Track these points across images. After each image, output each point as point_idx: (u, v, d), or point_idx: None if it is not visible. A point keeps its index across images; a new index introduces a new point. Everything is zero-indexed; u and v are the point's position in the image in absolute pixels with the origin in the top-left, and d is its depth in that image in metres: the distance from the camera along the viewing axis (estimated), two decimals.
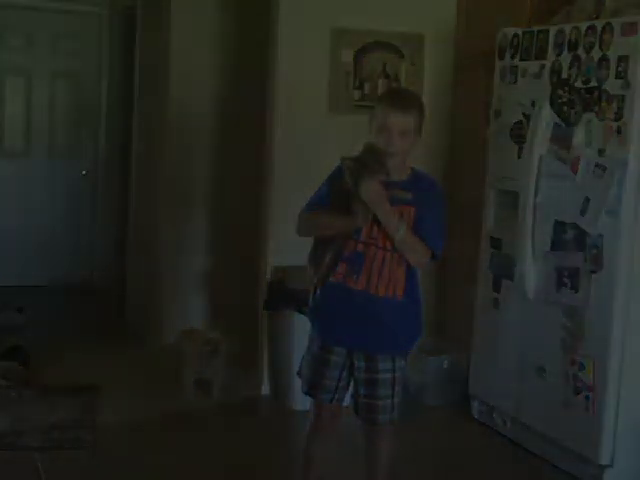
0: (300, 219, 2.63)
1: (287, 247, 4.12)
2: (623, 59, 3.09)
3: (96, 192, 6.44)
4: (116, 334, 5.27)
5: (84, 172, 6.38)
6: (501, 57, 3.75)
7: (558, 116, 3.39)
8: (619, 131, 3.10)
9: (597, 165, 3.20)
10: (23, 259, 6.21)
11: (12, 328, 4.88)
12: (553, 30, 3.44)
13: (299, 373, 2.75)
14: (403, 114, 2.52)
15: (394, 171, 2.52)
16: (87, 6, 6.23)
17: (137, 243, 5.59)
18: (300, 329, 3.88)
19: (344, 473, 3.16)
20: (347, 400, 2.72)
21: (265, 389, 4.17)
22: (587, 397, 3.25)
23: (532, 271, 3.49)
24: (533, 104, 3.52)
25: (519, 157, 3.61)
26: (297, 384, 3.89)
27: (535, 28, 3.58)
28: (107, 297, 6.17)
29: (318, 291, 2.64)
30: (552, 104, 3.42)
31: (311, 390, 2.68)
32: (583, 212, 3.26)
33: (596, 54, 3.21)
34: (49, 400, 3.87)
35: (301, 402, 3.92)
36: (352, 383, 2.65)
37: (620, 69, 3.09)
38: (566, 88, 3.36)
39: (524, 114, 3.58)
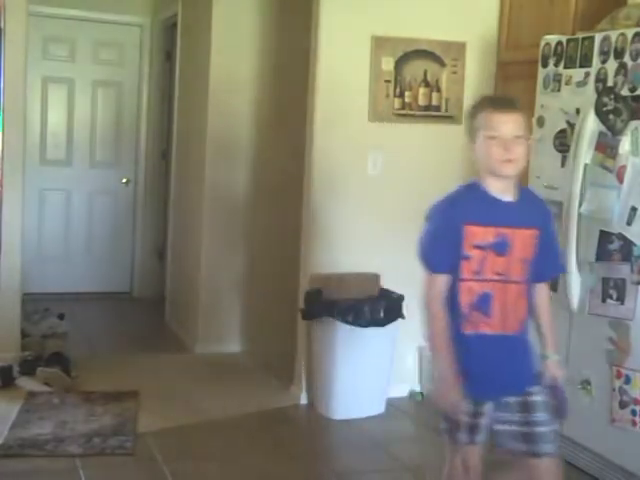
0: (430, 295, 2.27)
1: (324, 256, 4.13)
2: None
3: (136, 200, 6.50)
4: (156, 341, 5.30)
5: (124, 180, 6.45)
6: (544, 65, 3.70)
7: (603, 124, 3.34)
8: None
9: None
10: (64, 266, 6.29)
11: (54, 335, 4.93)
12: (598, 37, 3.39)
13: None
14: (513, 115, 2.26)
15: (510, 187, 2.29)
16: (128, 16, 6.31)
17: (177, 251, 5.62)
18: (343, 338, 3.89)
19: None
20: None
21: (303, 398, 4.15)
22: (633, 411, 3.18)
23: (576, 282, 3.43)
24: (577, 112, 3.47)
25: (563, 166, 3.56)
26: (337, 393, 3.92)
27: (579, 35, 3.53)
28: (147, 304, 6.23)
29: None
30: (597, 112, 3.37)
31: (451, 431, 2.36)
32: (629, 222, 3.20)
33: None
34: (90, 406, 3.90)
35: (340, 411, 3.93)
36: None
37: None
38: (612, 96, 3.30)
39: (568, 122, 3.53)
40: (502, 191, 2.28)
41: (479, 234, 2.23)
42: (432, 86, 4.21)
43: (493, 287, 2.24)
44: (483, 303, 2.24)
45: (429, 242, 2.29)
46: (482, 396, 2.29)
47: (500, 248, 2.23)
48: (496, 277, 2.24)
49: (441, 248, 2.26)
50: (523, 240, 2.26)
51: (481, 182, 2.30)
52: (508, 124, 2.23)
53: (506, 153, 2.22)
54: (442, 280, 2.25)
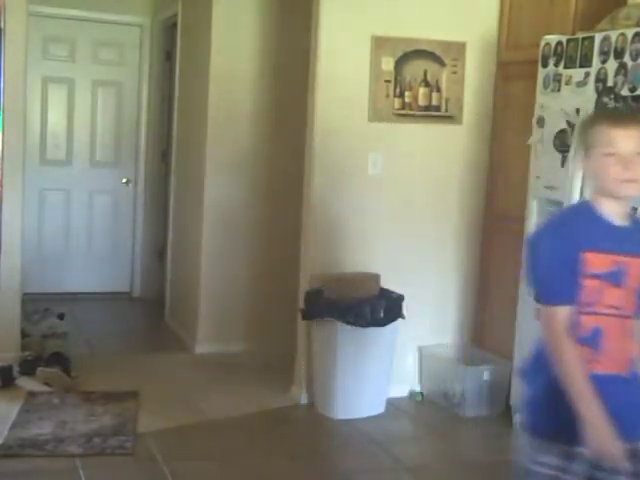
0: (553, 332, 1.99)
1: (324, 256, 4.13)
2: None
3: (136, 200, 6.50)
4: (156, 341, 5.31)
5: (124, 180, 6.44)
6: (544, 65, 3.70)
7: None
8: None
9: None
10: (64, 266, 6.29)
11: (54, 335, 4.93)
12: (598, 37, 3.40)
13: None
14: (633, 130, 2.01)
15: (625, 210, 2.04)
16: (128, 16, 6.30)
17: (177, 251, 5.62)
18: (343, 338, 3.89)
19: None
20: None
21: (304, 398, 4.15)
22: None
23: None
24: (577, 112, 3.47)
25: (563, 166, 3.56)
26: (337, 393, 3.92)
27: (579, 35, 3.54)
28: (147, 304, 6.23)
29: (542, 392, 2.05)
30: None
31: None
32: None
33: None
34: (90, 406, 3.90)
35: (340, 411, 3.93)
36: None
37: None
38: (612, 96, 3.31)
39: (568, 122, 3.54)
40: (617, 214, 2.03)
41: (596, 262, 1.98)
42: (432, 86, 4.21)
43: (604, 321, 2.01)
44: (593, 339, 2.01)
45: (545, 270, 2.02)
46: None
47: (616, 278, 2.00)
48: (611, 311, 2.01)
49: (560, 276, 1.99)
50: (638, 270, 2.02)
51: (593, 203, 2.04)
52: (628, 140, 1.99)
53: (626, 172, 1.98)
54: (564, 313, 1.98)
